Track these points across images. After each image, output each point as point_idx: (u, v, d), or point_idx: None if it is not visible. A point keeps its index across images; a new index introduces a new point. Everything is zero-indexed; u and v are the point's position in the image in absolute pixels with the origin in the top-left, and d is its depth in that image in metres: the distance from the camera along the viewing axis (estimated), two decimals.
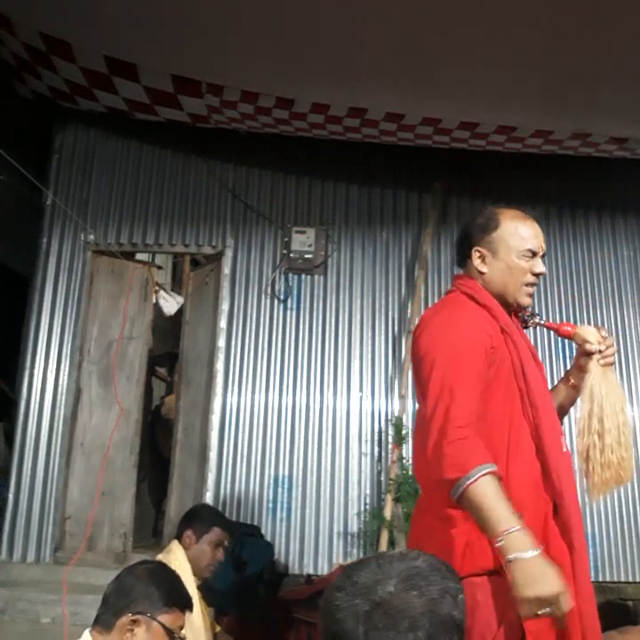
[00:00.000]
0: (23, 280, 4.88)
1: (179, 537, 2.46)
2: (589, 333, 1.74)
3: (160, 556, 2.38)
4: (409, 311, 4.33)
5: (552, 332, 4.58)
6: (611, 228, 4.67)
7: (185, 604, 1.70)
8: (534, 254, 1.75)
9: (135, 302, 4.54)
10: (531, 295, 1.77)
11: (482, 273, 1.75)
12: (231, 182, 4.58)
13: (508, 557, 1.35)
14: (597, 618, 1.54)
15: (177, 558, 2.34)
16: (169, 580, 1.71)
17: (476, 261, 1.76)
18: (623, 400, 1.71)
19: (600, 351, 1.71)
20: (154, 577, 1.68)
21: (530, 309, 1.83)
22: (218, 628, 2.61)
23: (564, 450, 1.71)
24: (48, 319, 4.30)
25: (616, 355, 1.86)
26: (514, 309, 1.80)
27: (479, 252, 1.76)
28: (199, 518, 2.47)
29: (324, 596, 0.89)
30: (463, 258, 1.81)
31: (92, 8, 3.17)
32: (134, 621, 1.57)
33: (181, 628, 1.65)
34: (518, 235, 1.74)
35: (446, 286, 4.45)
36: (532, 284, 1.76)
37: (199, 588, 2.45)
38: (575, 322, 4.39)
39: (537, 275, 1.75)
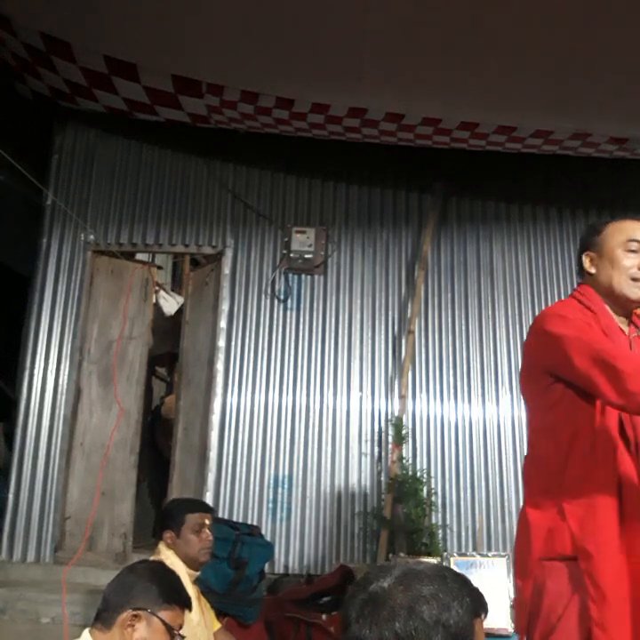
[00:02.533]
0: (23, 280, 4.87)
1: (162, 539, 2.46)
2: None
3: (151, 559, 2.37)
4: (409, 311, 4.33)
5: None
6: None
7: (185, 603, 1.72)
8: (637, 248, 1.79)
9: (135, 302, 4.54)
10: (638, 288, 1.77)
11: (591, 274, 1.87)
12: (231, 182, 4.58)
13: None
14: None
15: (167, 557, 2.33)
16: (169, 579, 1.74)
17: (587, 264, 1.87)
18: None
19: None
20: (154, 575, 1.70)
21: None
22: (218, 625, 2.60)
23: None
24: (48, 319, 4.31)
25: None
26: (633, 311, 1.81)
27: (588, 255, 1.87)
28: (171, 516, 2.46)
29: None
30: (580, 268, 1.95)
31: (92, 8, 3.17)
32: (135, 616, 1.59)
33: (181, 626, 1.67)
34: (620, 229, 1.81)
35: (446, 286, 4.45)
36: (632, 279, 1.77)
37: (196, 583, 2.45)
38: None
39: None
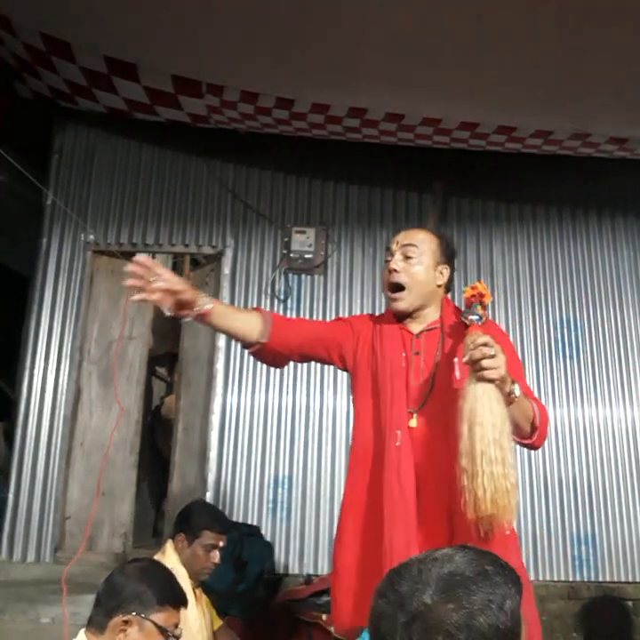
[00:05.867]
0: (23, 280, 4.88)
1: (173, 537, 2.44)
2: (467, 339, 1.63)
3: (155, 557, 2.36)
4: None
5: (555, 329, 4.52)
6: (611, 228, 4.67)
7: (178, 601, 1.68)
8: (391, 253, 1.92)
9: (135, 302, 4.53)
10: (395, 299, 1.88)
11: None
12: (231, 182, 4.58)
13: None
14: None
15: (171, 562, 2.31)
16: (160, 578, 1.69)
17: None
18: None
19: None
20: (145, 575, 1.66)
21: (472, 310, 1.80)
22: (219, 624, 2.59)
23: (397, 443, 1.75)
24: (48, 319, 4.30)
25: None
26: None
27: None
28: (191, 521, 2.43)
29: (372, 600, 0.87)
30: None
31: (92, 8, 3.17)
32: (126, 622, 1.56)
33: (176, 625, 1.64)
34: None
35: None
36: (390, 285, 1.89)
37: (199, 585, 2.45)
38: (575, 322, 4.40)
39: (391, 271, 1.87)
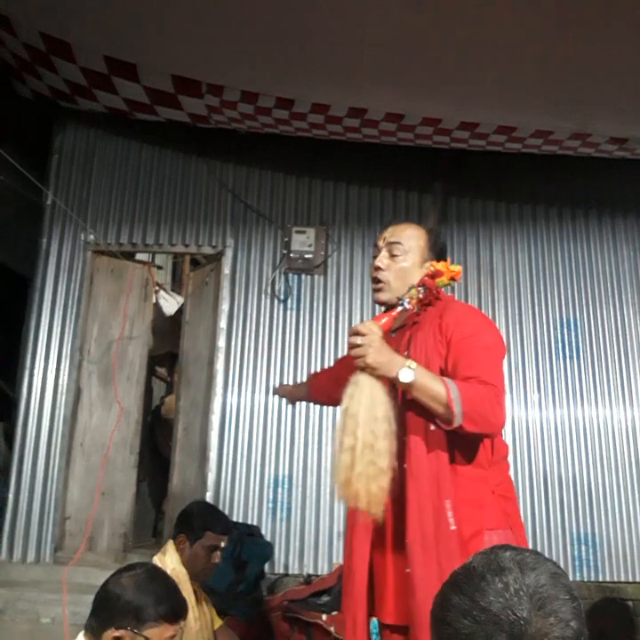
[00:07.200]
0: (23, 280, 4.87)
1: (174, 538, 2.44)
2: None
3: (156, 558, 2.35)
4: None
5: (555, 329, 4.52)
6: (611, 228, 4.67)
7: (175, 615, 1.61)
8: (378, 249, 1.94)
9: (135, 302, 4.54)
10: (376, 290, 1.92)
11: None
12: (231, 182, 4.58)
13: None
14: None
15: (172, 562, 2.30)
16: (157, 591, 1.60)
17: None
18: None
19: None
20: (141, 588, 1.59)
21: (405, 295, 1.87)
22: (219, 623, 2.59)
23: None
24: (48, 319, 4.30)
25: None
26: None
27: None
28: (192, 522, 2.42)
29: (443, 619, 0.85)
30: None
31: (92, 8, 3.17)
32: (118, 637, 1.52)
33: (173, 636, 1.59)
34: None
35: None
36: (373, 279, 1.92)
37: (200, 586, 2.45)
38: (575, 322, 4.40)
39: (376, 268, 1.91)
